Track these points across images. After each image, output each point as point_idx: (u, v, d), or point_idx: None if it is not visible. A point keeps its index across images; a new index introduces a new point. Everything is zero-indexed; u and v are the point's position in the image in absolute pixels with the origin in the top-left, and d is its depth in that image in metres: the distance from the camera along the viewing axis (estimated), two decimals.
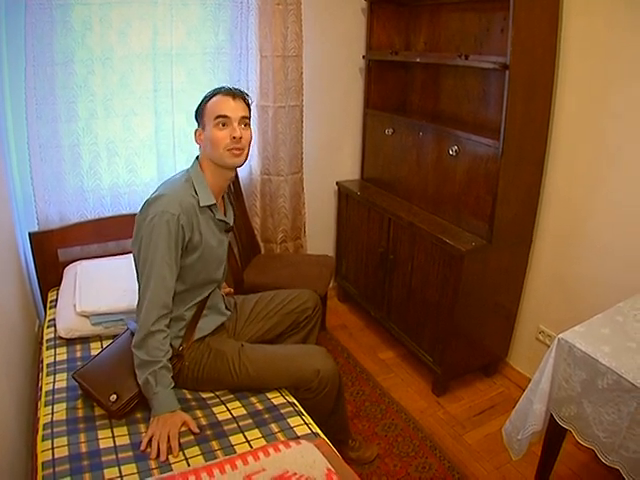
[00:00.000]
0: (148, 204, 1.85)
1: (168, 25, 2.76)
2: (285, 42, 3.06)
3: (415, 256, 2.95)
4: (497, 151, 2.49)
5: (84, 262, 2.69)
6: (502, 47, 2.45)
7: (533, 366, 1.91)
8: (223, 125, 1.88)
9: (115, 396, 1.79)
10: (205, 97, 1.95)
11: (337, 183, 3.68)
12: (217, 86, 1.97)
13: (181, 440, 1.72)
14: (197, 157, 2.02)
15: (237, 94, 1.92)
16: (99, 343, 2.26)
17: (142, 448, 1.67)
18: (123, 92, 2.76)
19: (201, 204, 1.91)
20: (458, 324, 2.75)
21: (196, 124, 1.99)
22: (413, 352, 3.12)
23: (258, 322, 2.31)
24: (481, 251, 2.65)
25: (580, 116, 2.51)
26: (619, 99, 2.33)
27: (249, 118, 1.96)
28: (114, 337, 2.12)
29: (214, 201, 1.96)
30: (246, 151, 1.95)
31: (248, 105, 1.97)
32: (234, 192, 3.09)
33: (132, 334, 1.90)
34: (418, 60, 3.09)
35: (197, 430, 1.76)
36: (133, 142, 2.87)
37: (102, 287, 2.41)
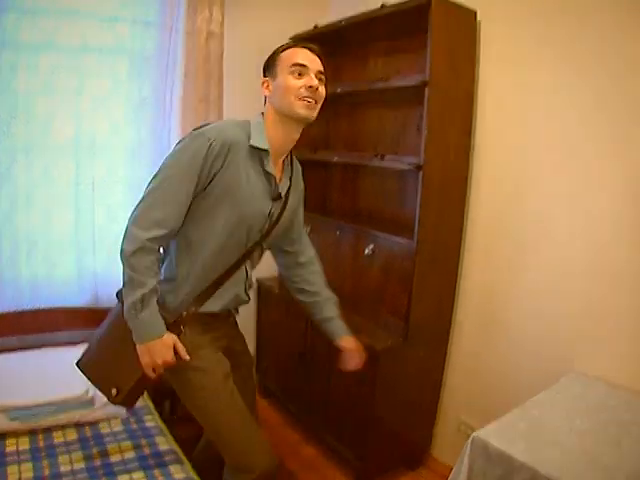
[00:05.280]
0: (190, 132, 1.77)
1: (91, 118, 2.79)
2: None
3: (333, 354, 2.89)
4: (411, 249, 2.53)
5: (1, 356, 2.58)
6: (418, 145, 2.48)
7: (457, 457, 1.91)
8: (299, 74, 1.75)
9: (115, 390, 1.83)
10: (278, 49, 1.83)
11: (256, 280, 3.65)
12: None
13: None
14: (262, 113, 1.88)
15: (315, 50, 1.81)
16: (15, 440, 2.15)
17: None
18: (45, 184, 2.75)
19: (251, 142, 1.76)
20: (378, 420, 2.72)
21: (261, 79, 1.87)
22: (334, 448, 3.05)
23: None
24: (397, 349, 2.65)
25: (495, 211, 2.62)
26: (532, 191, 2.45)
27: (325, 78, 1.83)
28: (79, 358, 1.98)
29: (267, 147, 1.80)
30: (319, 107, 1.82)
31: (324, 66, 1.84)
32: None
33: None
34: (336, 159, 3.14)
35: (187, 357, 1.76)
36: (52, 236, 2.83)
37: (20, 381, 2.35)
